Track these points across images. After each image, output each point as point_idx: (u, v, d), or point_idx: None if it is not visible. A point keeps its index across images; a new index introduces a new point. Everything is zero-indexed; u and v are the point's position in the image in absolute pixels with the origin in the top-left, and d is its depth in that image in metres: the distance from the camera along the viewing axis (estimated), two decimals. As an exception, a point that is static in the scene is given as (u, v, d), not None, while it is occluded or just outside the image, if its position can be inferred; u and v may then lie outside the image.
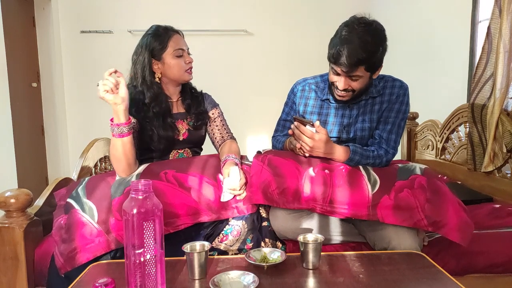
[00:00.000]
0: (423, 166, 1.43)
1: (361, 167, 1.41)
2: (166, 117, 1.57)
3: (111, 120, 1.35)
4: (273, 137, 1.75)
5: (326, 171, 1.36)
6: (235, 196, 1.37)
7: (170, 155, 1.63)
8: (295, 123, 1.41)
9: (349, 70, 1.38)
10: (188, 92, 1.68)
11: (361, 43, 1.35)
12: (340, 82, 1.44)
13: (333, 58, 1.40)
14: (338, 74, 1.43)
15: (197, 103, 1.67)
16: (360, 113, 1.54)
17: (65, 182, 1.65)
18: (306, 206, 1.33)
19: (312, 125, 1.38)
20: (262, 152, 1.53)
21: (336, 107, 1.57)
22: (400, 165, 1.47)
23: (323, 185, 1.33)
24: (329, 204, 1.31)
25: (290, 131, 1.45)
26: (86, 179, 1.49)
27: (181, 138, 1.62)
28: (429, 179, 1.35)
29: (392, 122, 1.52)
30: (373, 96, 1.53)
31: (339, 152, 1.43)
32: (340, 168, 1.38)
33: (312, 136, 1.37)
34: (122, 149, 1.35)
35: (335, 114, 1.57)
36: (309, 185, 1.33)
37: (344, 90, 1.45)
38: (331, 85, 1.51)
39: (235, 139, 1.70)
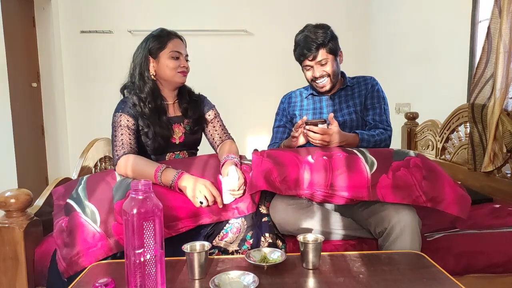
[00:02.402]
0: (416, 152, 1.46)
1: (356, 151, 1.43)
2: (162, 115, 1.58)
3: (161, 170, 1.37)
4: (269, 145, 1.88)
5: (324, 157, 1.39)
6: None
7: (166, 157, 1.63)
8: (307, 127, 1.51)
9: (315, 56, 1.68)
10: (186, 95, 1.68)
11: (312, 33, 1.68)
12: (314, 71, 1.71)
13: (299, 55, 1.72)
14: (310, 67, 1.72)
15: (195, 107, 1.68)
16: (342, 101, 1.78)
17: (65, 182, 1.65)
18: (308, 192, 1.34)
19: (323, 122, 1.50)
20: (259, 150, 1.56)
21: (319, 100, 1.82)
22: (395, 148, 1.51)
23: (323, 170, 1.35)
24: (330, 188, 1.33)
25: (294, 133, 1.59)
26: (85, 178, 1.49)
27: (177, 141, 1.63)
28: (423, 159, 1.39)
29: (378, 106, 1.74)
30: (349, 85, 1.80)
31: (351, 137, 1.59)
32: (337, 155, 1.40)
33: (327, 132, 1.49)
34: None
35: (320, 106, 1.81)
36: (309, 171, 1.36)
37: (321, 77, 1.71)
38: (311, 84, 1.79)
39: (233, 139, 1.70)
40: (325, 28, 1.71)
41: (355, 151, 1.44)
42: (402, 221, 1.29)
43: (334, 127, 1.51)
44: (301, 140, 1.61)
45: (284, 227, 1.42)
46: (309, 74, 1.74)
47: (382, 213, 1.34)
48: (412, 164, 1.35)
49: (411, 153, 1.43)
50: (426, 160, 1.39)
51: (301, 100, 1.86)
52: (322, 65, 1.69)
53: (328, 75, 1.71)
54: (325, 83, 1.72)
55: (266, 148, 1.84)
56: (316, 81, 1.73)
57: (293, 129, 1.61)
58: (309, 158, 1.39)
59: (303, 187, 1.35)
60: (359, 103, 1.76)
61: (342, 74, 1.83)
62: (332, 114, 1.54)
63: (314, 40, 1.67)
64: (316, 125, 1.50)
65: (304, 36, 1.70)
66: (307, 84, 1.87)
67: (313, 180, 1.34)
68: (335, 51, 1.71)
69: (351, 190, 1.32)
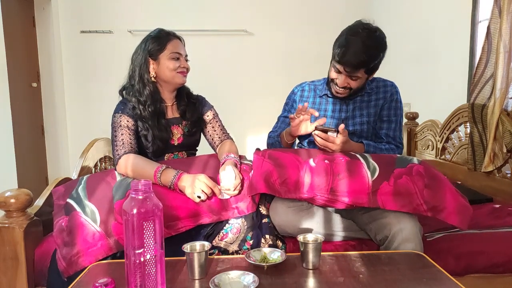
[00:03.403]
0: (420, 159, 1.45)
1: (359, 156, 1.42)
2: (161, 118, 1.58)
3: (160, 171, 1.36)
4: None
5: (326, 161, 1.38)
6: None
7: (165, 158, 1.64)
8: (317, 132, 1.49)
9: (351, 71, 1.53)
10: (184, 97, 1.68)
11: (365, 47, 1.49)
12: (339, 79, 1.58)
13: (338, 57, 1.53)
14: (339, 72, 1.57)
15: (193, 109, 1.68)
16: (357, 108, 1.69)
17: (65, 182, 1.65)
18: (308, 195, 1.34)
19: (334, 131, 1.48)
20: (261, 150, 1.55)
21: (333, 102, 1.71)
22: (398, 155, 1.50)
23: (324, 175, 1.34)
24: (330, 193, 1.32)
25: (292, 115, 1.55)
26: (85, 178, 1.49)
27: (176, 143, 1.63)
28: (426, 167, 1.37)
29: (395, 120, 1.68)
30: (367, 92, 1.69)
31: (357, 148, 1.56)
32: (339, 158, 1.39)
33: (335, 141, 1.46)
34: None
35: (332, 109, 1.71)
36: (309, 174, 1.34)
37: (343, 87, 1.59)
38: (329, 82, 1.65)
39: (232, 139, 1.70)
40: (378, 45, 1.53)
41: (357, 155, 1.43)
42: (404, 230, 1.27)
43: (342, 137, 1.46)
44: (303, 129, 1.55)
45: (284, 229, 1.41)
46: (333, 74, 1.61)
47: (383, 220, 1.32)
48: (415, 172, 1.33)
49: (415, 160, 1.41)
50: (429, 168, 1.37)
51: (314, 97, 1.76)
52: (351, 79, 1.57)
53: (350, 89, 1.61)
54: (342, 92, 1.62)
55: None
56: (336, 86, 1.61)
57: (295, 114, 1.55)
58: (311, 161, 1.38)
59: (303, 190, 1.34)
60: (373, 113, 1.67)
61: None
62: (343, 125, 1.47)
63: (361, 56, 1.49)
64: (326, 132, 1.48)
65: (353, 42, 1.50)
66: (313, 79, 1.82)
67: (313, 184, 1.33)
68: (372, 72, 1.59)
69: (351, 196, 1.31)
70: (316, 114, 1.52)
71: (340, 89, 1.60)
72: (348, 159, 1.39)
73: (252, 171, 1.43)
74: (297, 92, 1.80)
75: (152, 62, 1.58)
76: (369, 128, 1.67)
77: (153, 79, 1.59)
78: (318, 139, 1.49)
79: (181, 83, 1.63)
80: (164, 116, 1.61)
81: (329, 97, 1.71)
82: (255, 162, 1.44)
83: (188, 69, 1.63)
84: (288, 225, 1.40)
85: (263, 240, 1.35)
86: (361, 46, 1.49)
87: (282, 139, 1.71)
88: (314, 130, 1.50)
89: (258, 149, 1.56)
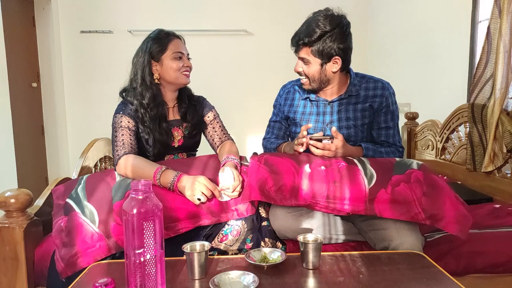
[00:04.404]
0: (420, 162, 1.43)
1: (357, 162, 1.40)
2: (162, 122, 1.58)
3: (160, 172, 1.36)
4: (264, 138, 1.82)
5: (322, 167, 1.36)
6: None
7: (165, 158, 1.64)
8: (312, 142, 1.47)
9: (295, 49, 1.55)
10: (185, 98, 1.68)
11: (311, 25, 1.49)
12: (296, 63, 1.58)
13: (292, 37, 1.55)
14: (296, 59, 1.58)
15: (194, 111, 1.68)
16: (342, 110, 1.63)
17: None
18: (304, 203, 1.32)
19: (328, 139, 1.46)
20: (258, 154, 1.54)
21: (317, 105, 1.66)
22: (397, 159, 1.47)
23: (320, 182, 1.32)
24: (326, 200, 1.30)
25: (298, 148, 1.50)
26: (85, 177, 1.49)
27: (176, 145, 1.63)
28: (425, 173, 1.34)
29: (392, 126, 1.64)
30: (353, 94, 1.62)
31: (357, 152, 1.54)
32: (336, 164, 1.38)
33: (330, 148, 1.45)
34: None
35: (316, 112, 1.66)
36: (306, 181, 1.33)
37: (298, 72, 1.59)
38: None
39: (232, 140, 1.70)
40: (328, 24, 1.48)
41: (355, 161, 1.41)
42: (405, 243, 1.26)
43: (338, 141, 1.45)
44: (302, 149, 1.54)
45: (284, 233, 1.40)
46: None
47: (383, 232, 1.31)
48: (413, 179, 1.31)
49: (414, 164, 1.38)
50: (428, 174, 1.34)
51: (298, 99, 1.71)
52: (304, 63, 1.55)
53: (307, 77, 1.57)
54: (304, 82, 1.61)
55: (263, 149, 1.82)
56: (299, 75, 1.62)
57: (295, 143, 1.52)
58: (307, 167, 1.36)
59: (299, 197, 1.32)
60: (360, 116, 1.61)
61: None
62: (334, 128, 1.46)
63: (304, 32, 1.49)
64: (320, 141, 1.47)
65: (305, 22, 1.53)
66: None
67: (309, 191, 1.31)
68: (325, 56, 1.50)
69: (347, 204, 1.29)
70: (310, 125, 1.51)
71: (301, 77, 1.59)
72: (346, 165, 1.37)
73: (248, 176, 1.41)
74: (283, 95, 1.77)
75: (155, 63, 1.58)
76: (357, 132, 1.62)
77: (156, 80, 1.59)
78: (313, 149, 1.46)
79: (185, 84, 1.63)
80: (166, 118, 1.61)
81: (313, 100, 1.66)
82: (251, 168, 1.42)
83: (191, 68, 1.63)
84: (287, 230, 1.39)
85: (262, 243, 1.35)
86: (309, 24, 1.48)
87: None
88: (309, 140, 1.48)
89: (255, 153, 1.55)
